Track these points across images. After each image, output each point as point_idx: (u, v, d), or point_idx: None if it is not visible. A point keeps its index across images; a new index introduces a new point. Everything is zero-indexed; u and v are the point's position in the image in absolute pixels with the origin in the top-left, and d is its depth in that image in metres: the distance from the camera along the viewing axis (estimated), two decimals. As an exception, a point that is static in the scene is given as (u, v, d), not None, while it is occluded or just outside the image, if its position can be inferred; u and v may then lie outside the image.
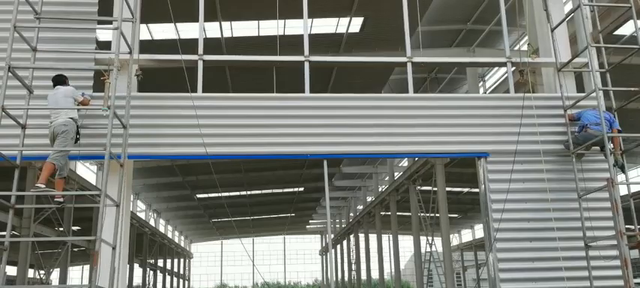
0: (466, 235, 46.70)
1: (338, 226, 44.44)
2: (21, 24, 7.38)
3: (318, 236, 58.15)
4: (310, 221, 49.10)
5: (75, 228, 23.54)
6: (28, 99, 7.56)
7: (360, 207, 35.64)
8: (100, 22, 9.16)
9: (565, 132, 8.85)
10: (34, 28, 7.83)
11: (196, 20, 9.34)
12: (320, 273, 53.78)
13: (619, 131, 8.47)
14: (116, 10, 7.72)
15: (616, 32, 14.06)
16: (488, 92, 21.40)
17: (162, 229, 36.86)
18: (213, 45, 15.02)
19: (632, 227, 7.97)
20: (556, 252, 8.35)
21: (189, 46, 9.50)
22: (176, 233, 43.08)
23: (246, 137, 8.61)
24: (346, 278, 38.17)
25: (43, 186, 7.00)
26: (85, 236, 23.56)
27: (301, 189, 34.15)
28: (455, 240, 45.60)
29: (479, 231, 42.38)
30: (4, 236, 6.99)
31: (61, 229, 17.22)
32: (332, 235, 41.29)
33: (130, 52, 8.08)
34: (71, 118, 7.32)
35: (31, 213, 15.01)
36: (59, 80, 7.62)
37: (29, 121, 7.56)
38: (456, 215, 35.74)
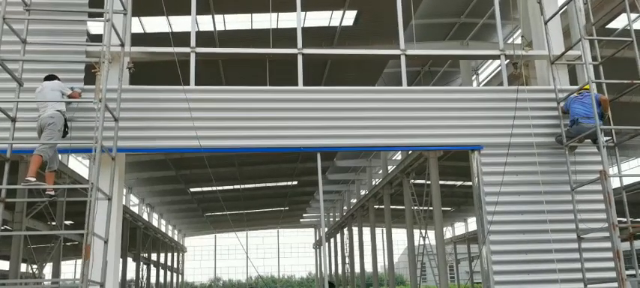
0: (459, 228, 46.90)
1: (332, 219, 44.49)
2: (10, 16, 7.29)
3: (312, 230, 58.20)
4: (304, 215, 49.10)
5: (67, 222, 23.42)
6: (18, 92, 7.49)
7: (354, 200, 35.67)
8: (91, 15, 9.07)
9: (558, 124, 8.86)
10: (24, 19, 7.75)
11: (189, 13, 9.27)
12: (314, 266, 53.89)
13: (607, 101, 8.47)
14: (107, 2, 7.65)
15: (609, 25, 14.09)
16: (481, 85, 21.42)
17: (155, 223, 36.76)
18: (206, 38, 14.92)
19: (625, 219, 8.01)
20: (549, 244, 8.39)
21: (181, 39, 9.43)
22: (170, 227, 42.99)
23: (239, 130, 8.57)
24: (340, 271, 38.26)
25: (34, 179, 6.96)
26: (77, 230, 23.46)
27: (295, 183, 34.12)
28: (448, 233, 45.77)
29: (472, 224, 42.57)
30: (-5, 230, 6.94)
31: (54, 223, 17.13)
32: (326, 229, 41.36)
33: (122, 45, 8.02)
34: (58, 110, 7.28)
35: (22, 207, 14.91)
36: (48, 77, 7.61)
37: (19, 114, 7.49)
38: (449, 208, 35.85)
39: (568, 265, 8.33)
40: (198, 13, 10.43)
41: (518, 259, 8.46)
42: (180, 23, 14.00)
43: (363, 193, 34.22)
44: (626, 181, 17.17)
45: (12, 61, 7.47)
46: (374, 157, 31.29)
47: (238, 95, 8.80)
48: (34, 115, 7.39)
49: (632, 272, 8.45)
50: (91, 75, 7.86)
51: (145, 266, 32.92)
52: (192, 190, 31.68)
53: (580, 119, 8.38)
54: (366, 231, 29.10)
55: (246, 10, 14.65)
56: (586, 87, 8.51)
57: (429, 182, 17.43)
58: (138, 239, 29.35)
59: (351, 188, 37.95)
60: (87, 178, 20.21)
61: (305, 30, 9.63)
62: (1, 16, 7.03)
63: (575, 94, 8.76)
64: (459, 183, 27.76)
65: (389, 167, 27.26)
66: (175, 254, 42.89)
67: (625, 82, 8.46)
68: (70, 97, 7.48)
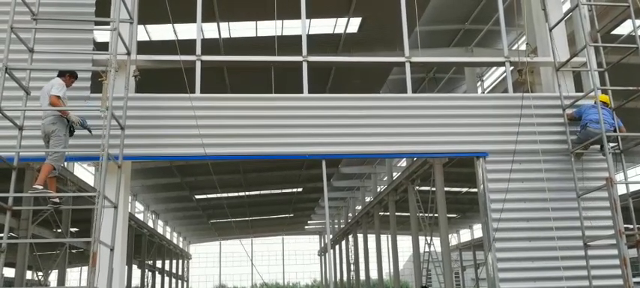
0: (465, 235, 46.73)
1: (337, 226, 44.42)
2: (18, 25, 7.34)
3: (317, 237, 58.12)
4: (309, 222, 49.07)
5: (73, 229, 23.49)
6: (26, 100, 7.52)
7: (359, 207, 35.62)
8: (97, 23, 9.13)
9: (564, 131, 8.84)
10: (31, 29, 7.79)
11: (194, 21, 9.32)
12: (319, 273, 53.76)
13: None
14: (114, 10, 7.71)
15: (614, 31, 14.06)
16: (486, 92, 21.40)
17: (160, 230, 36.81)
18: (211, 46, 14.99)
19: (631, 226, 7.97)
20: (555, 252, 8.34)
21: (187, 46, 9.48)
22: (174, 234, 43.03)
23: (244, 138, 8.59)
24: (345, 278, 38.16)
25: (41, 187, 6.96)
26: (83, 238, 23.54)
27: (300, 189, 34.13)
28: (453, 240, 45.61)
29: (477, 231, 42.41)
30: (1, 238, 6.96)
31: (59, 230, 17.18)
32: (331, 236, 41.26)
33: (128, 53, 8.07)
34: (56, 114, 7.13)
35: (29, 214, 14.97)
36: (60, 73, 7.47)
37: (26, 122, 7.52)
38: (454, 215, 35.74)
39: (574, 272, 8.27)
40: (204, 20, 10.48)
41: (525, 267, 8.41)
42: (186, 31, 14.07)
43: (368, 199, 34.17)
44: (633, 187, 17.07)
45: (19, 70, 7.51)
46: (379, 163, 31.27)
47: (243, 102, 8.82)
48: (41, 123, 7.41)
49: (639, 279, 8.39)
50: (97, 83, 7.91)
51: (150, 273, 32.95)
52: (197, 197, 31.74)
53: (589, 124, 8.34)
54: (371, 238, 29.05)
55: (251, 17, 14.73)
56: (603, 99, 8.47)
57: (434, 189, 17.41)
58: (143, 246, 29.39)
59: (356, 195, 37.91)
60: (93, 185, 20.33)
61: (310, 37, 9.66)
62: (9, 26, 7.09)
63: (593, 102, 8.68)
64: (464, 189, 27.70)
65: (394, 174, 27.25)
66: (180, 261, 42.91)
67: (631, 88, 8.44)
68: (50, 103, 7.08)
